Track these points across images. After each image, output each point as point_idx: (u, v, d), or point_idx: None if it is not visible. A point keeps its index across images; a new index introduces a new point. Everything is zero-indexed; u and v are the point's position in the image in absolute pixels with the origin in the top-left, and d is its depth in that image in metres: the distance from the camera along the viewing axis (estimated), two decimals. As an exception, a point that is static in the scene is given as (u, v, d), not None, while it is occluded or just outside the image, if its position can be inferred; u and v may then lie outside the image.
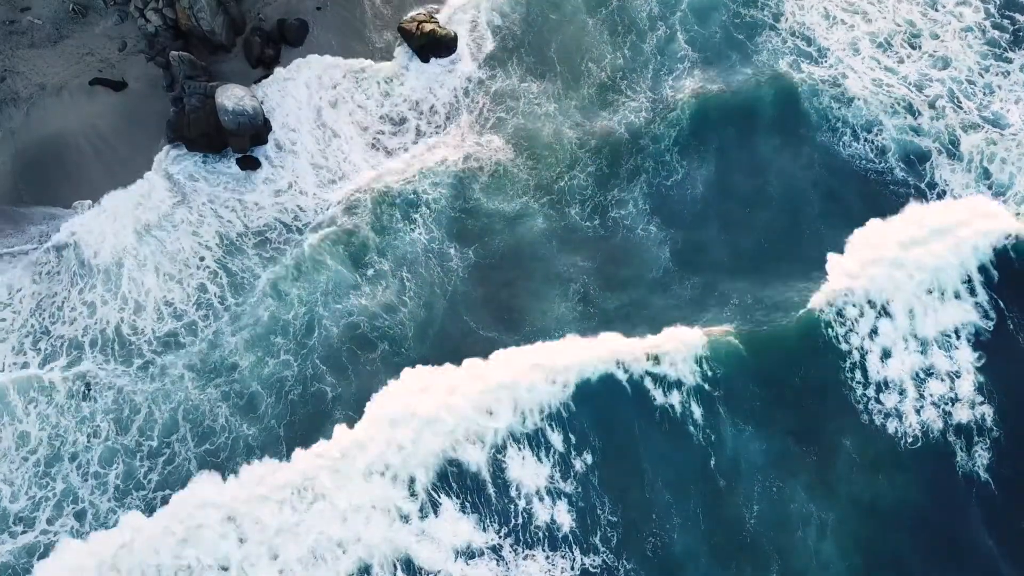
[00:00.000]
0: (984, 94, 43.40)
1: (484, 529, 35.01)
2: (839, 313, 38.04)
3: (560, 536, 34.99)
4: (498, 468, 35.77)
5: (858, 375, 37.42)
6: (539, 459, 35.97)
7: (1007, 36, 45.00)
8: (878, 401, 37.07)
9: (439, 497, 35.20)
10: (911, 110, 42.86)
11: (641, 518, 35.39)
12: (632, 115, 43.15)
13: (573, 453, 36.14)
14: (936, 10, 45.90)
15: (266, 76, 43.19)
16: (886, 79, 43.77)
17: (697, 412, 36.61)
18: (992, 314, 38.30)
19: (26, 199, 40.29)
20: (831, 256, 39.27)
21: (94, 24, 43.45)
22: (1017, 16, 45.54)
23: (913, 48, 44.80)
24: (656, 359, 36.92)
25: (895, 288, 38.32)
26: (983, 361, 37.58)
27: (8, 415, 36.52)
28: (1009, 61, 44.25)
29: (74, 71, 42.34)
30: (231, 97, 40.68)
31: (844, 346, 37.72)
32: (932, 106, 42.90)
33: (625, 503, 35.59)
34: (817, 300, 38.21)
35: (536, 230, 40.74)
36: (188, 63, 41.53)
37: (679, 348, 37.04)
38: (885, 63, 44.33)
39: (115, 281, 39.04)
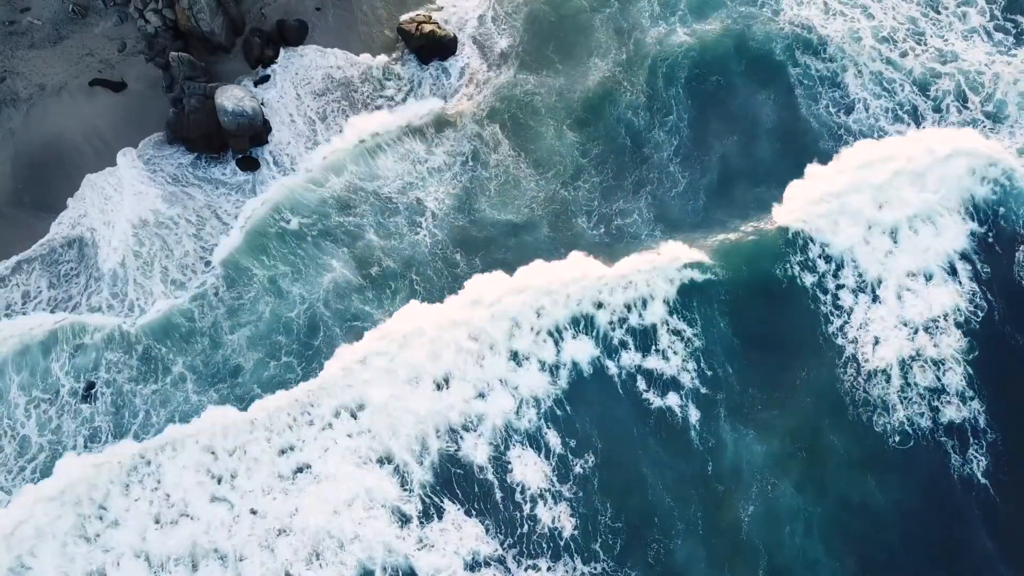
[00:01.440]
0: (992, 84, 43.34)
1: (488, 532, 34.93)
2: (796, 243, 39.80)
3: (561, 541, 34.97)
4: (499, 464, 35.83)
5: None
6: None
7: (1011, 38, 44.87)
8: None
9: (441, 502, 35.18)
10: (914, 112, 42.84)
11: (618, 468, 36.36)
12: (631, 112, 43.19)
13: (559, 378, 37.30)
14: (938, 12, 45.77)
15: (265, 79, 43.11)
16: (887, 72, 43.72)
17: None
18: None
19: (26, 200, 40.23)
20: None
21: (94, 25, 43.34)
22: (1019, 18, 45.38)
23: (917, 44, 44.68)
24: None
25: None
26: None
27: (9, 417, 36.55)
28: (1014, 55, 44.11)
29: (74, 72, 42.24)
30: (231, 98, 40.59)
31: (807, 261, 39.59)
32: (937, 108, 42.87)
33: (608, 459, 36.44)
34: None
35: (541, 232, 40.91)
36: (188, 64, 41.44)
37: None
38: (888, 55, 44.26)
39: (110, 276, 39.12)
